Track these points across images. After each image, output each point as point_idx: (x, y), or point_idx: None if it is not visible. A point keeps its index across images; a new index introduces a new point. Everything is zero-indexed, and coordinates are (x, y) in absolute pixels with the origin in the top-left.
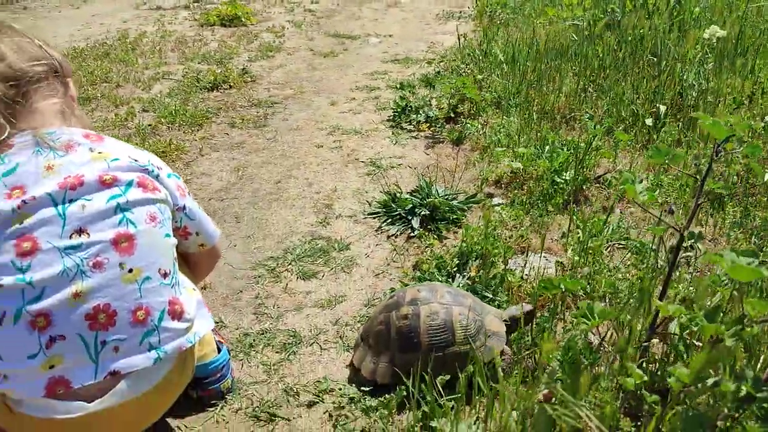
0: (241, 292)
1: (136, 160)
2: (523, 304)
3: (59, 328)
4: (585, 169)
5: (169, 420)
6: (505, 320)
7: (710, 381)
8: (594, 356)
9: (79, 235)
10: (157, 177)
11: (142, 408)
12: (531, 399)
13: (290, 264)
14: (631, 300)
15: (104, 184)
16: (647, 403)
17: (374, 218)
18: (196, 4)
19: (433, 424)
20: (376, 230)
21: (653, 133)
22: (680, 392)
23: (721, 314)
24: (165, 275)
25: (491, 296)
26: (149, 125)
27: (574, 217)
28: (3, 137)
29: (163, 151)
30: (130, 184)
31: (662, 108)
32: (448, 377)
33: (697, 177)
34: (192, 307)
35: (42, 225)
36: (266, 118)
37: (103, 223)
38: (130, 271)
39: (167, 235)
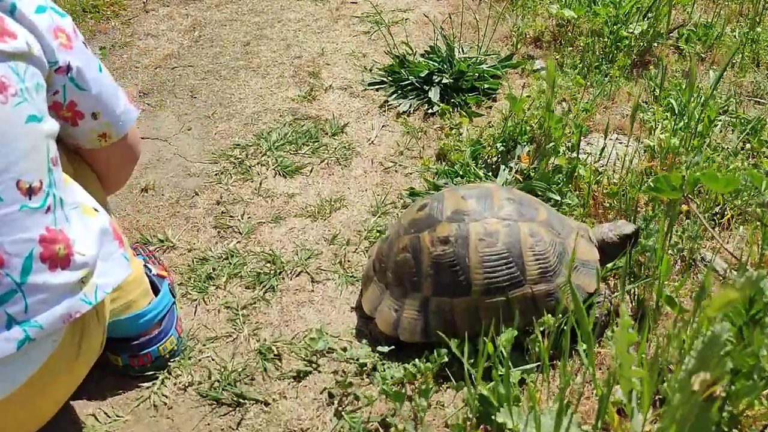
0: (196, 194)
1: None
2: (622, 221)
3: None
4: (657, 21)
5: (79, 403)
6: (594, 243)
7: None
8: None
9: None
10: (12, 11)
11: (15, 411)
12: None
13: (265, 154)
14: None
15: None
16: None
17: (377, 90)
18: None
19: (499, 419)
20: (381, 106)
21: None
22: None
23: None
24: (30, 192)
25: (557, 199)
26: None
27: (651, 83)
28: None
29: (93, 5)
30: None
31: None
32: (515, 334)
33: None
34: (91, 241)
35: None
36: None
37: None
38: None
39: (33, 118)
